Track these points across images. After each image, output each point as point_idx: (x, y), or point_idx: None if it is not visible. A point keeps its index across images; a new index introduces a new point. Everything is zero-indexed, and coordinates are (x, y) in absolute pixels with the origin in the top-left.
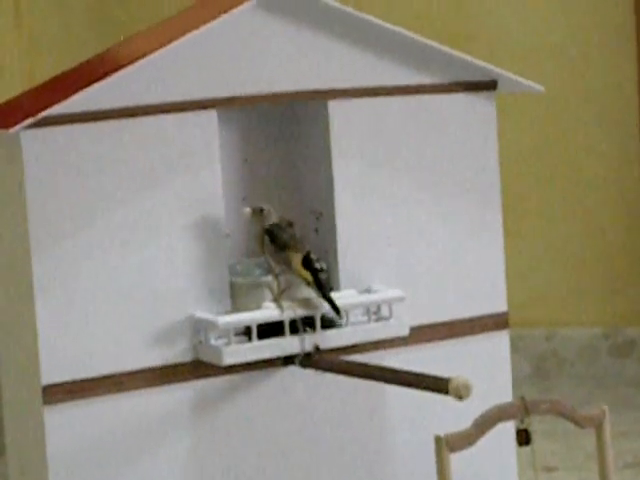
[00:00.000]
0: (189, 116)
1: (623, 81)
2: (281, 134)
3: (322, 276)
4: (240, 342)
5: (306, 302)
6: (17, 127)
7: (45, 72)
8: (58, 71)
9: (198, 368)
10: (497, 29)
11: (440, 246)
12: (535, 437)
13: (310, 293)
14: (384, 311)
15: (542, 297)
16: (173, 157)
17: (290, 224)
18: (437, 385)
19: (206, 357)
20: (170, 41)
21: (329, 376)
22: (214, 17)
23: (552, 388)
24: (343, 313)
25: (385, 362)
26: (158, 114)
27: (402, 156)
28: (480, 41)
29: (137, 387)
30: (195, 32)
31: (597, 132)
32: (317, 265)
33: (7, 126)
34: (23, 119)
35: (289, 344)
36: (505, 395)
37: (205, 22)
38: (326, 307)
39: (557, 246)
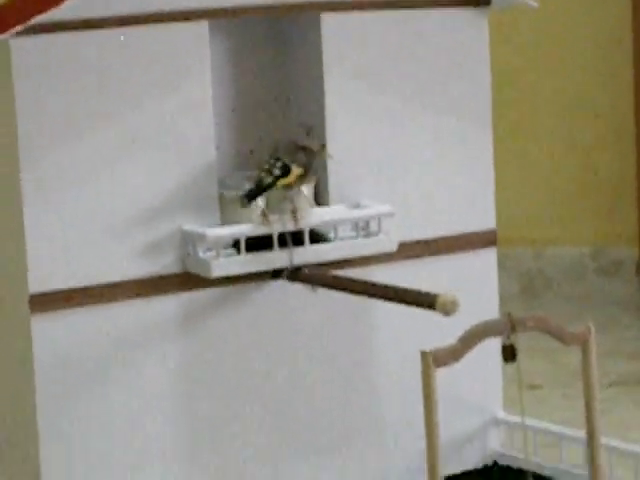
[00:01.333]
0: (180, 26)
1: (617, 4)
2: (273, 46)
3: (263, 176)
4: (229, 255)
5: (294, 216)
6: (6, 34)
7: None
8: None
9: (186, 280)
10: None
11: (430, 163)
12: (520, 355)
13: (300, 206)
14: (373, 227)
15: (531, 216)
16: (163, 68)
17: (299, 146)
18: (424, 300)
19: (194, 269)
20: None
21: (317, 290)
22: None
23: (539, 307)
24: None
25: (373, 277)
26: (148, 24)
27: (394, 72)
28: None
29: (125, 298)
30: None
31: (588, 54)
32: (266, 166)
33: None
34: (12, 26)
35: (277, 258)
36: (492, 312)
37: None
38: (316, 221)
39: (546, 166)
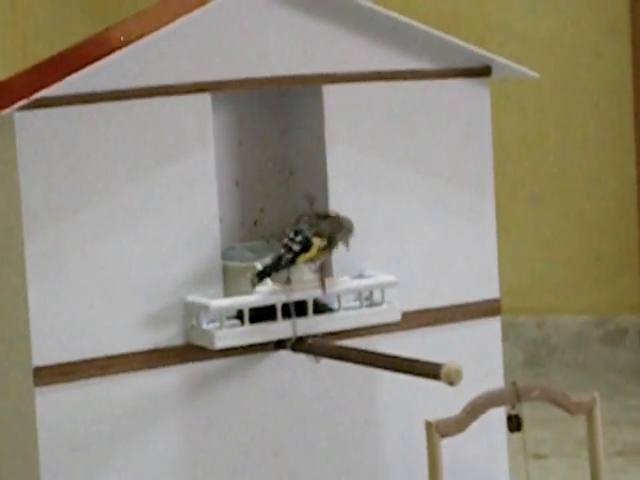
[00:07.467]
0: (183, 99)
1: (617, 72)
2: (275, 118)
3: (282, 254)
4: (232, 326)
5: (299, 286)
6: (10, 108)
7: (39, 57)
8: None
9: (189, 352)
10: (492, 16)
11: (433, 232)
12: (526, 424)
13: (303, 278)
14: (376, 296)
15: (534, 285)
16: (166, 140)
17: (322, 216)
18: (428, 370)
19: (198, 341)
20: (164, 24)
21: (321, 361)
22: (208, 0)
23: (543, 375)
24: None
25: (377, 347)
26: (152, 97)
27: (396, 142)
28: (474, 27)
29: (128, 370)
30: (189, 15)
31: (590, 121)
32: (284, 240)
33: (0, 107)
34: (16, 100)
35: (281, 328)
36: (496, 381)
37: (199, 5)
38: (319, 292)
39: (549, 234)
